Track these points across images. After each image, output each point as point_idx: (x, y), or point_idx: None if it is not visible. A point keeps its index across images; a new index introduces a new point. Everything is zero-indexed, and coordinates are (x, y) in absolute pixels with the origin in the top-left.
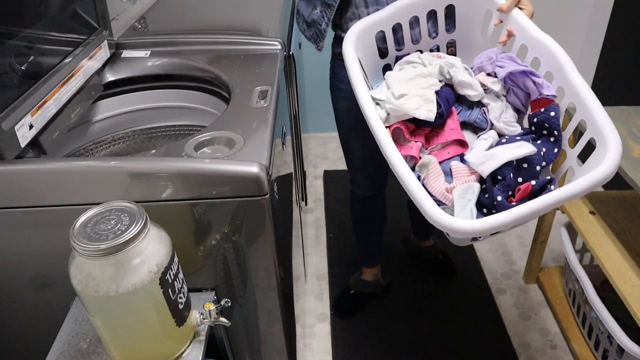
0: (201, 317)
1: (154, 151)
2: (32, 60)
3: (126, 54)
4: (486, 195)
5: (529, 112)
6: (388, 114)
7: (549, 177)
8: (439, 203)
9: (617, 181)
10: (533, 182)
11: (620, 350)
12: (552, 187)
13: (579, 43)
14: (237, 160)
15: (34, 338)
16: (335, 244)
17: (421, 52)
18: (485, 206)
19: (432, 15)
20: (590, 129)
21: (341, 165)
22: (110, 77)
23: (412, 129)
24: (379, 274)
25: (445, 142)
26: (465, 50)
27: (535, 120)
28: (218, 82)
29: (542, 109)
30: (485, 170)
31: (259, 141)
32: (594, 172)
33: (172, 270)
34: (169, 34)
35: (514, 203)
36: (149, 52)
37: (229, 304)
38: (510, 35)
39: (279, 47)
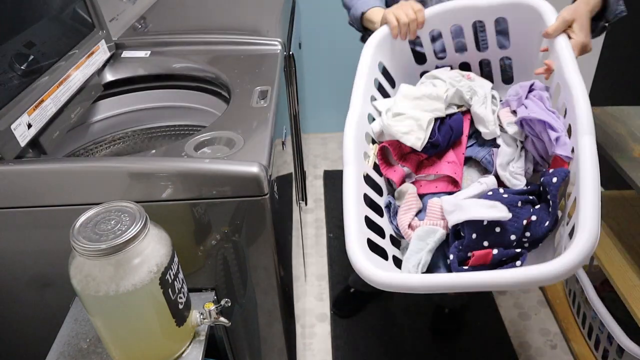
0: (201, 317)
1: (154, 151)
2: (28, 61)
3: (126, 54)
4: (451, 249)
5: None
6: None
7: (518, 250)
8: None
9: (617, 181)
10: (495, 251)
11: (620, 350)
12: (519, 263)
13: None
14: (237, 160)
15: (34, 338)
16: (335, 244)
17: (452, 67)
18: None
19: (481, 25)
20: (576, 213)
21: (341, 165)
22: (110, 77)
23: (407, 151)
24: None
25: (437, 174)
26: (524, 72)
27: (542, 180)
28: (218, 82)
29: (550, 170)
30: (451, 221)
31: (259, 141)
32: (539, 267)
33: (172, 270)
34: (169, 34)
35: (465, 267)
36: (149, 52)
37: (229, 304)
38: (549, 69)
39: (279, 47)
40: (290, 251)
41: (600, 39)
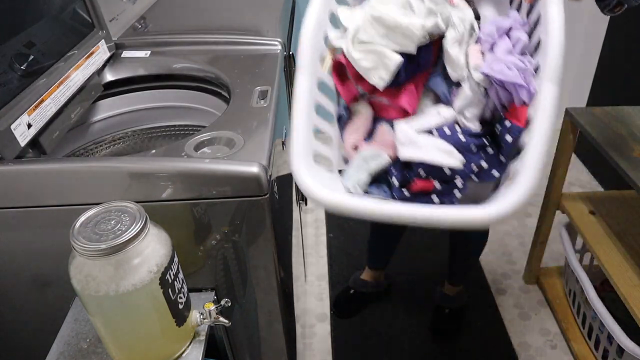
0: (201, 317)
1: (154, 151)
2: (28, 61)
3: (126, 54)
4: (394, 172)
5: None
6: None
7: (458, 184)
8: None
9: (617, 181)
10: (437, 185)
11: (620, 350)
12: (459, 195)
13: (579, 43)
14: (237, 160)
15: (34, 338)
16: (335, 244)
17: None
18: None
19: None
20: (521, 160)
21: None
22: (110, 77)
23: None
24: (380, 276)
25: (392, 103)
26: None
27: (498, 130)
28: (218, 82)
29: (508, 125)
30: (402, 155)
31: (259, 141)
32: (473, 210)
33: (172, 270)
34: (169, 34)
35: (406, 193)
36: (149, 52)
37: (229, 304)
38: None
39: (279, 47)
40: (290, 251)
41: (600, 38)
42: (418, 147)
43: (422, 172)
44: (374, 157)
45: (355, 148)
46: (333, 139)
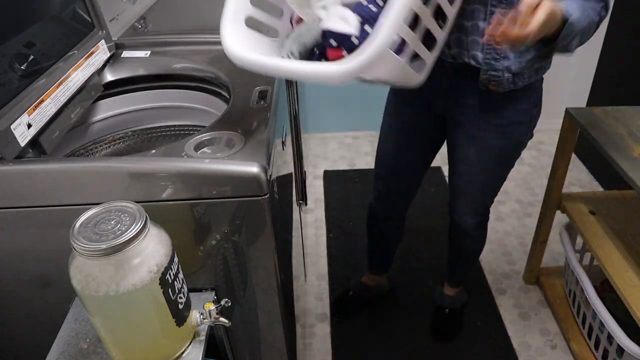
0: (201, 317)
1: (154, 151)
2: (28, 61)
3: (126, 54)
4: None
5: None
6: None
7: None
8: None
9: (617, 181)
10: (345, 55)
11: (620, 350)
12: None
13: None
14: (237, 160)
15: (34, 338)
16: (335, 244)
17: None
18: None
19: None
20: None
21: (341, 165)
22: (110, 77)
23: None
24: (382, 280)
25: None
26: None
27: None
28: (218, 82)
29: None
30: (320, 25)
31: (259, 141)
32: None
33: (172, 270)
34: (169, 34)
35: (323, 61)
36: (149, 52)
37: (229, 304)
38: None
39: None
40: (290, 251)
41: (600, 39)
42: (328, 17)
43: (333, 42)
44: (309, 31)
45: (299, 22)
46: (284, 11)
